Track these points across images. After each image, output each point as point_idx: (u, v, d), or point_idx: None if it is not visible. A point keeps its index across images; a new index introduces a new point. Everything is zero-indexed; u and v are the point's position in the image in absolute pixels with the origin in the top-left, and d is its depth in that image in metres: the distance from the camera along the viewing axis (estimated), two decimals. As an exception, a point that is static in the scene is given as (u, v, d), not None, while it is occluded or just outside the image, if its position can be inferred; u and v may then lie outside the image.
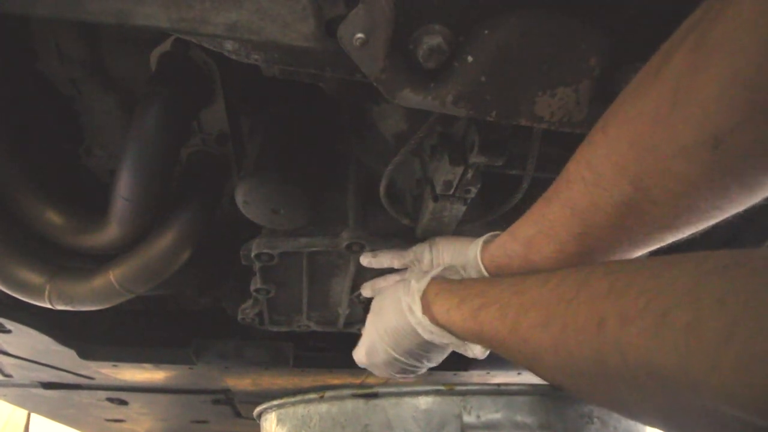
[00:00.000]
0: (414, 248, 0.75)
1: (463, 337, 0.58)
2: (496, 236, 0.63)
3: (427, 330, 0.61)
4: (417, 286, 0.63)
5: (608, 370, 0.35)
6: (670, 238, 0.47)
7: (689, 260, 0.33)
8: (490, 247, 0.63)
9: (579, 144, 0.48)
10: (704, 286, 0.29)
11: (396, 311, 0.65)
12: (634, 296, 0.33)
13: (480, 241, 0.65)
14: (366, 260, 0.78)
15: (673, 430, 0.39)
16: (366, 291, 0.84)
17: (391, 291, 0.70)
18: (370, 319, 0.73)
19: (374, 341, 0.70)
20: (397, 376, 0.74)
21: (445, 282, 0.62)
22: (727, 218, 0.42)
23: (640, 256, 0.50)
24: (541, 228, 0.53)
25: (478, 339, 0.55)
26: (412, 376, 0.74)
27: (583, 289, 0.39)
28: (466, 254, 0.67)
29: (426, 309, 0.61)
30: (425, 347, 0.65)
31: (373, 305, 0.74)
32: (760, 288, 0.26)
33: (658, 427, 0.40)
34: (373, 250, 0.78)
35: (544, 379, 0.49)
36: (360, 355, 0.76)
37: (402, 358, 0.68)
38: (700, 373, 0.27)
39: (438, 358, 0.70)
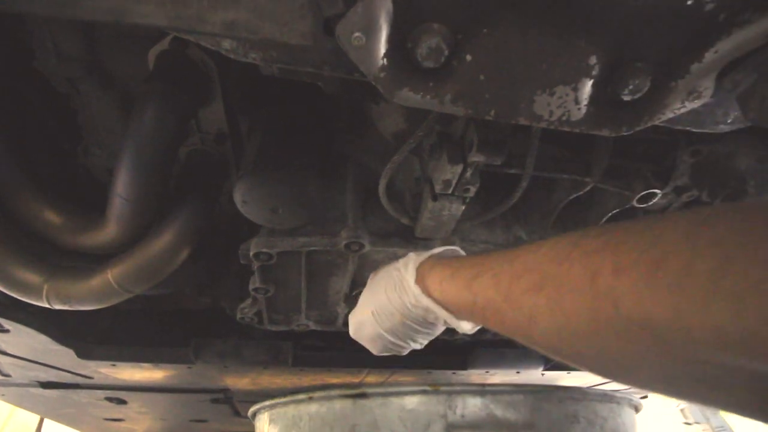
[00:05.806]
0: None
1: (456, 310, 0.57)
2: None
3: (418, 300, 0.60)
4: (416, 258, 0.63)
5: (602, 326, 0.35)
6: None
7: (685, 214, 0.33)
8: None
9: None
10: (700, 232, 0.28)
11: (388, 285, 0.65)
12: (629, 249, 0.33)
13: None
14: None
15: (669, 390, 0.39)
16: None
17: (387, 267, 0.69)
18: (364, 293, 0.72)
19: (363, 315, 0.69)
20: (380, 353, 0.73)
21: (441, 258, 0.62)
22: None
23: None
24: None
25: (471, 311, 0.54)
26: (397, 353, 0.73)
27: (577, 248, 0.39)
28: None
29: (419, 281, 0.61)
30: (411, 325, 0.64)
31: (369, 281, 0.73)
32: (757, 226, 0.25)
33: (655, 390, 0.40)
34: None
35: (540, 348, 0.47)
36: (351, 327, 0.75)
37: (387, 335, 0.67)
38: (692, 315, 0.27)
39: (423, 340, 0.69)
